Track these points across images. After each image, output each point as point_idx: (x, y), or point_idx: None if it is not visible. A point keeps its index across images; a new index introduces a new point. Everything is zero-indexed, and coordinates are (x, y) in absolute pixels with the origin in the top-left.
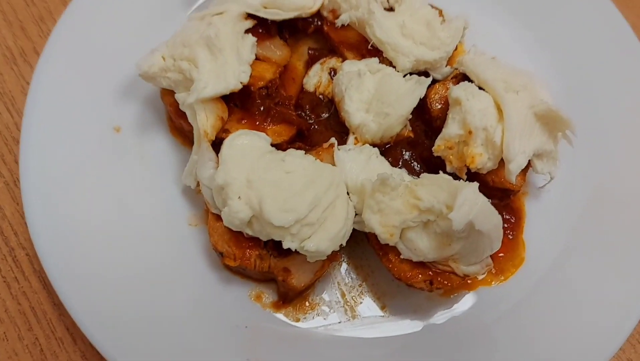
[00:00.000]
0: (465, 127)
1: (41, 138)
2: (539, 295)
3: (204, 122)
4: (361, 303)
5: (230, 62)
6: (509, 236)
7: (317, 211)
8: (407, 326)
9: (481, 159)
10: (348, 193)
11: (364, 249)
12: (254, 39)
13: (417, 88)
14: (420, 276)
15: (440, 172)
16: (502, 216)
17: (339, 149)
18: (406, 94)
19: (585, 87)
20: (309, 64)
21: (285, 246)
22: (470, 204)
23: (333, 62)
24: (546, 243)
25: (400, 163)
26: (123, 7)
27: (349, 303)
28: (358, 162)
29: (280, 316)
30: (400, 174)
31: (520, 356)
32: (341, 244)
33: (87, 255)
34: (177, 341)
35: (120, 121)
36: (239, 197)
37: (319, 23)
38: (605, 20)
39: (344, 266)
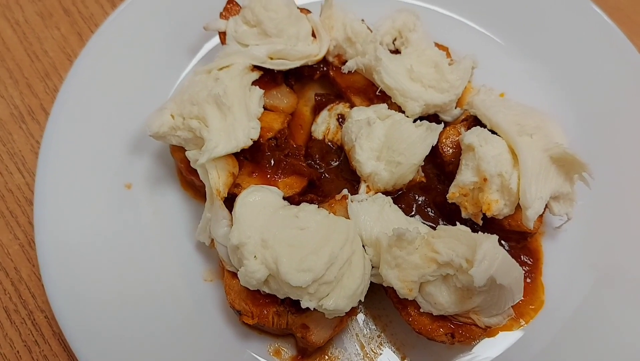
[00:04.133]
0: (479, 174)
1: (54, 199)
2: (564, 338)
3: (216, 180)
4: (381, 354)
5: (240, 119)
6: (527, 279)
7: (334, 269)
8: None
9: (497, 206)
10: (363, 246)
11: (381, 298)
12: (262, 91)
13: (428, 135)
14: (441, 329)
15: (458, 223)
16: (520, 258)
17: (351, 201)
18: (418, 142)
19: (599, 122)
20: (316, 109)
21: (303, 305)
22: (491, 259)
23: (340, 107)
24: (566, 284)
25: (414, 209)
26: (127, 61)
27: (368, 356)
28: (371, 213)
29: None
30: (416, 224)
31: None
32: (359, 300)
33: (105, 316)
34: None
35: (131, 178)
36: (255, 256)
37: (325, 69)
38: (618, 53)
39: (362, 316)
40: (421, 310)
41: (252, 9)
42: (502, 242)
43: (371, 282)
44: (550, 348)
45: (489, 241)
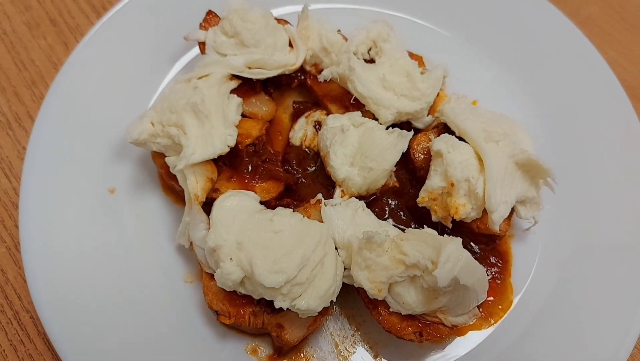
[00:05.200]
0: (447, 179)
1: (39, 203)
2: (530, 337)
3: (194, 185)
4: (354, 352)
5: (217, 126)
6: (497, 280)
7: (306, 271)
8: None
9: (465, 210)
10: (336, 248)
11: (355, 298)
12: (240, 99)
13: (399, 142)
14: (409, 328)
15: (425, 226)
16: (489, 260)
17: (325, 205)
18: (389, 148)
19: (567, 129)
20: (294, 117)
21: (277, 305)
22: (454, 261)
23: (317, 115)
24: (534, 285)
25: (387, 213)
26: (111, 70)
27: (342, 354)
28: (345, 217)
29: None
30: (387, 227)
31: None
32: (332, 300)
33: (88, 316)
34: None
35: (115, 183)
36: (231, 258)
37: (303, 77)
38: (585, 61)
39: (337, 316)
40: (391, 310)
41: (230, 20)
42: (472, 244)
43: (346, 283)
44: (516, 344)
45: (453, 244)
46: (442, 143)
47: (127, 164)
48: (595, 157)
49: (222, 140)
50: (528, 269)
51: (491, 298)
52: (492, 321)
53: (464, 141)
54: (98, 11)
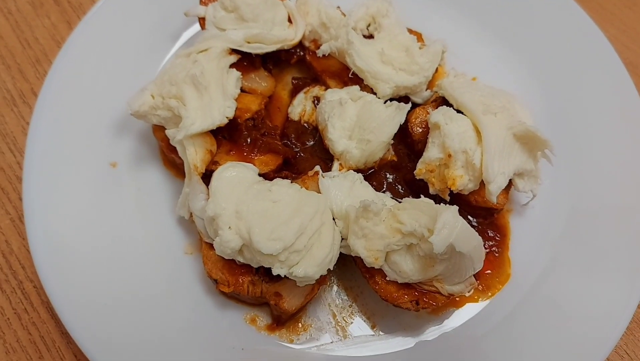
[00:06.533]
0: (444, 150)
1: (42, 177)
2: (526, 309)
3: (194, 156)
4: (352, 323)
5: (216, 99)
6: (495, 253)
7: (303, 239)
8: (397, 344)
9: (462, 181)
10: (334, 219)
11: (353, 271)
12: (239, 73)
13: (397, 114)
14: (406, 296)
15: (422, 195)
16: (487, 233)
17: (323, 177)
18: (386, 121)
19: (567, 104)
20: (294, 93)
21: (274, 272)
22: (450, 228)
23: (316, 90)
24: (531, 258)
25: (384, 187)
26: (113, 46)
27: (340, 324)
28: (342, 188)
29: (274, 338)
30: (383, 199)
31: None
32: (329, 269)
33: (90, 286)
34: None
35: (116, 157)
36: (229, 227)
37: (302, 53)
38: (585, 37)
39: (335, 288)
40: (387, 278)
41: None
42: (470, 218)
43: (344, 255)
44: (512, 315)
45: (449, 211)
46: (439, 115)
47: (129, 139)
48: (595, 134)
49: (220, 112)
50: (526, 243)
51: (489, 271)
52: (490, 294)
53: (462, 113)
54: None
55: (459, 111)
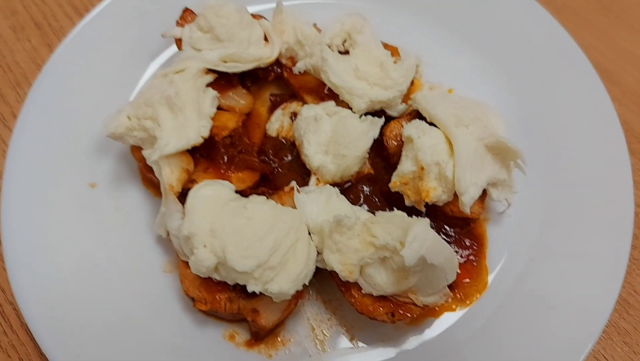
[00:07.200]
0: (417, 163)
1: (20, 198)
2: (505, 313)
3: (169, 176)
4: (330, 336)
5: (191, 118)
6: (473, 262)
7: (277, 255)
8: (377, 355)
9: (435, 193)
10: (310, 234)
11: (331, 283)
12: (215, 92)
13: (370, 129)
14: (381, 309)
15: (395, 208)
16: (464, 242)
17: (299, 192)
18: (361, 135)
19: (541, 114)
20: (272, 109)
21: (249, 289)
22: (421, 241)
23: (294, 106)
24: (508, 266)
25: (361, 200)
26: (92, 68)
27: (318, 337)
28: (318, 203)
29: (253, 354)
30: (358, 212)
31: None
32: (305, 284)
33: (68, 307)
34: None
35: (95, 177)
36: (204, 245)
37: (279, 70)
38: (559, 47)
39: (313, 301)
40: (363, 292)
41: (205, 16)
42: (447, 228)
43: (322, 269)
44: (491, 321)
45: (420, 224)
46: (412, 128)
47: (108, 159)
48: (568, 142)
49: (195, 131)
50: (503, 251)
51: (467, 280)
52: (468, 303)
53: (435, 126)
54: (81, 14)
55: (431, 124)
